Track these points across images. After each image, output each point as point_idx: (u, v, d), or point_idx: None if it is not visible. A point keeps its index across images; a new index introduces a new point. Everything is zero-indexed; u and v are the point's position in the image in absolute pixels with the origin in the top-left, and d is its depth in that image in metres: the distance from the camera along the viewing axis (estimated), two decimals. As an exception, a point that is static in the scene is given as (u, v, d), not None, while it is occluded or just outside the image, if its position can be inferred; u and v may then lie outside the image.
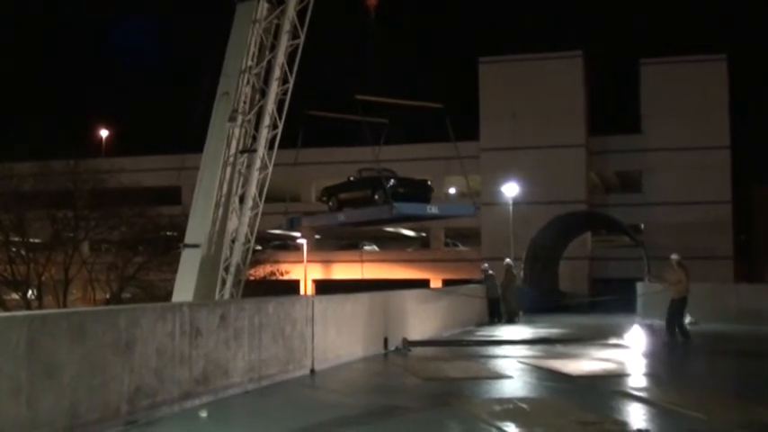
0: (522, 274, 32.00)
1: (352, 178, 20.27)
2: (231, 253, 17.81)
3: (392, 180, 18.50)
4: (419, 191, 19.42)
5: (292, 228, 22.17)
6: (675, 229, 44.98)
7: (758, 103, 74.59)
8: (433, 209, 19.25)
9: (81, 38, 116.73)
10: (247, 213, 18.02)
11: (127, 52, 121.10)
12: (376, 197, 18.36)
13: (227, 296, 17.34)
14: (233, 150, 17.87)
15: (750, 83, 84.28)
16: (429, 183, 20.32)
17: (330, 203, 20.31)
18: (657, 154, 47.87)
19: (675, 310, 19.34)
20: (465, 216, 24.81)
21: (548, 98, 47.45)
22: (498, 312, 25.46)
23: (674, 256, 19.70)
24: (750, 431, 8.81)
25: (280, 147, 18.45)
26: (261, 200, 18.22)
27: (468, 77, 51.22)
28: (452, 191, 56.39)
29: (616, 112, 56.93)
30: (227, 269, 17.68)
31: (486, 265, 26.92)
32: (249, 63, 17.82)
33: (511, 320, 25.38)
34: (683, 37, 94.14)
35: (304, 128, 19.10)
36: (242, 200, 18.05)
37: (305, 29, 17.89)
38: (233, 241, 17.85)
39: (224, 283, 17.60)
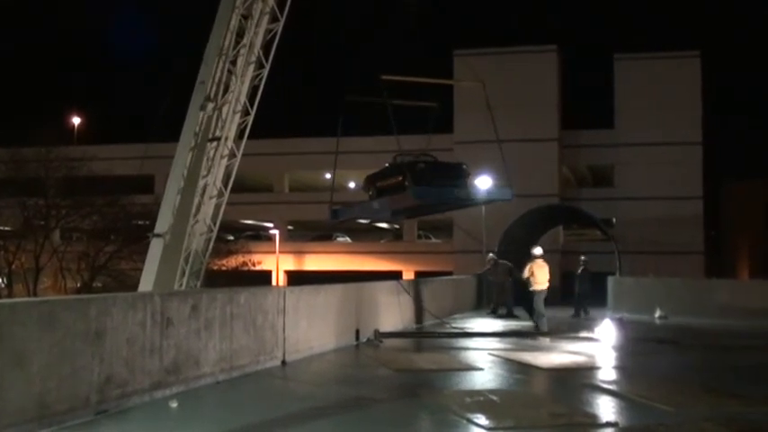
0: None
1: (387, 165, 19.25)
2: (192, 243, 17.61)
3: (420, 164, 17.70)
4: (452, 174, 18.40)
5: (336, 219, 21.16)
6: (647, 223, 45.36)
7: (730, 100, 75.40)
8: (462, 193, 18.15)
9: (56, 24, 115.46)
10: (210, 202, 17.79)
11: (103, 39, 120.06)
12: (407, 183, 17.35)
13: (184, 286, 17.14)
14: (200, 139, 17.58)
15: (722, 79, 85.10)
16: (465, 166, 19.13)
17: (370, 193, 19.42)
18: (630, 149, 48.08)
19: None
20: (502, 201, 23.96)
21: (522, 92, 47.45)
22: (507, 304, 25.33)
23: (536, 251, 20.09)
24: (717, 423, 8.89)
25: (257, 137, 18.04)
26: (227, 189, 17.94)
27: (443, 70, 51.13)
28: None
29: (589, 106, 57.25)
30: (187, 259, 17.51)
31: (493, 255, 26.99)
32: (225, 47, 17.46)
33: (494, 313, 25.43)
34: (657, 33, 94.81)
35: (344, 115, 18.49)
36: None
37: (285, 12, 17.54)
38: (195, 231, 17.61)
39: (184, 273, 17.41)
